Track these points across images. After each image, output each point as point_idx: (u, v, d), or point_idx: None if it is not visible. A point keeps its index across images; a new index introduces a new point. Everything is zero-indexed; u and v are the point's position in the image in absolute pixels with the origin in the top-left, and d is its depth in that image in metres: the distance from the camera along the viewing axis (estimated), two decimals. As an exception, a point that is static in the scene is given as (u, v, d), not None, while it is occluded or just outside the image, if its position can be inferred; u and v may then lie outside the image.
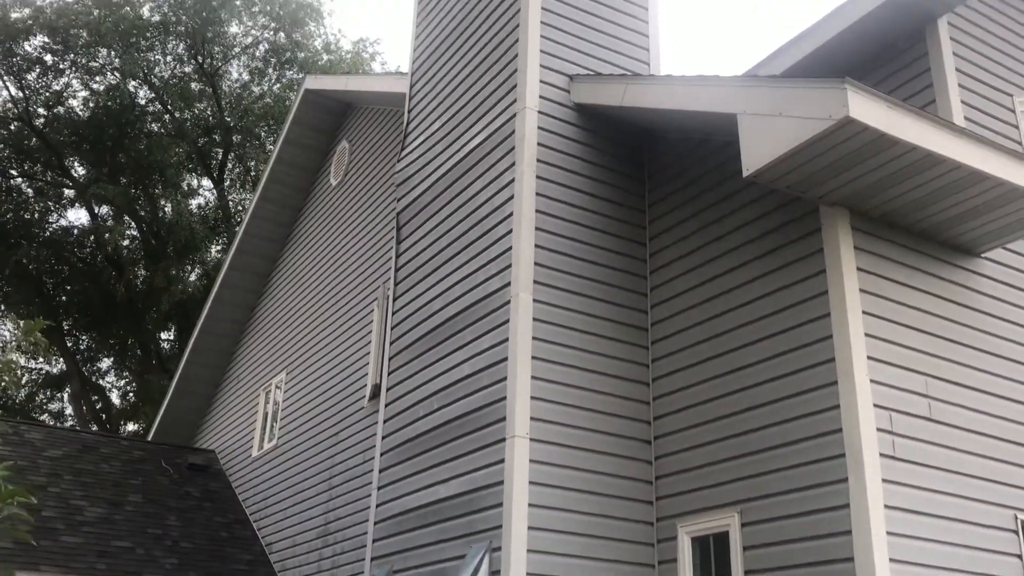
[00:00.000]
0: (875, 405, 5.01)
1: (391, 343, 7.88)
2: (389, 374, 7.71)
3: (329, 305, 11.68)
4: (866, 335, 5.14)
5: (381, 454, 7.48)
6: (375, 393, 9.62)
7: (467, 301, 6.79)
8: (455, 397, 6.61)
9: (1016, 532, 5.34)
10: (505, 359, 6.12)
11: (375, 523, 7.28)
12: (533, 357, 6.06)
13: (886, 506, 4.82)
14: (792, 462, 5.23)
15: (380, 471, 7.42)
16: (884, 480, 4.87)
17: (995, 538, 5.24)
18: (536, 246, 6.34)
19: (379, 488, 7.36)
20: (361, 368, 10.43)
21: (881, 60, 6.72)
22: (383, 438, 7.53)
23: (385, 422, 7.57)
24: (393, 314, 7.98)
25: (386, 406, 7.63)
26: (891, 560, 4.71)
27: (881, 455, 4.91)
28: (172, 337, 26.17)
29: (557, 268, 6.38)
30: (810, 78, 5.00)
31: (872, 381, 5.05)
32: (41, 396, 26.82)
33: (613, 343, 6.42)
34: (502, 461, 5.86)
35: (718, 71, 5.89)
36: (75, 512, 11.36)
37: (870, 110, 4.64)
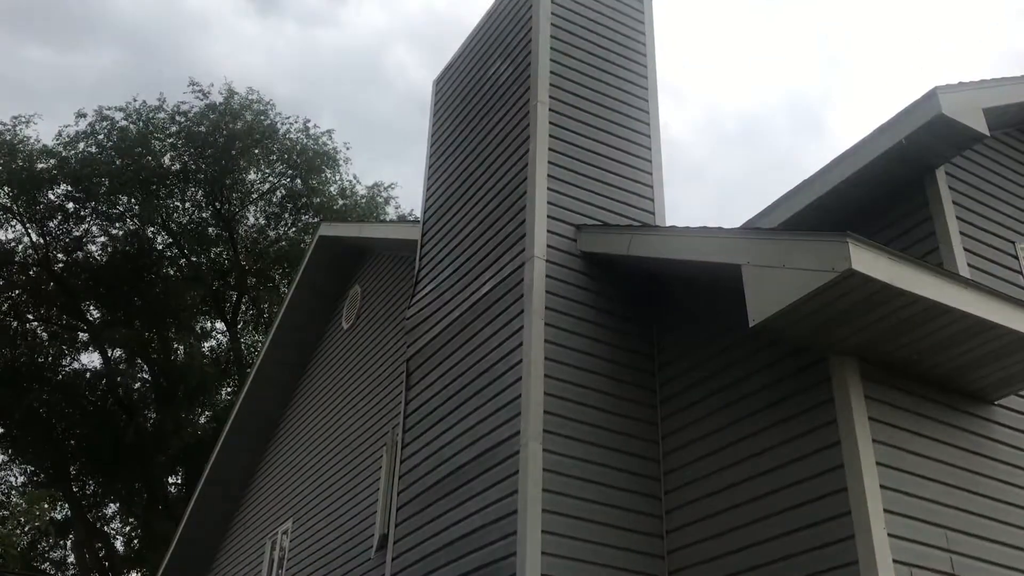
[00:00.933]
0: (895, 561, 4.86)
1: (399, 492, 7.76)
2: (397, 525, 7.56)
3: (338, 450, 11.56)
4: (881, 487, 5.04)
5: (388, 610, 7.25)
6: (382, 544, 9.40)
7: (477, 450, 6.73)
8: (464, 551, 6.45)
9: None
10: (515, 512, 6.01)
11: None
12: (544, 510, 5.94)
13: (912, 669, 4.61)
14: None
15: (387, 628, 7.18)
16: (906, 635, 4.68)
17: None
18: (546, 394, 6.32)
19: (386, 647, 7.10)
20: (369, 517, 10.23)
21: (882, 209, 6.85)
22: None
23: (392, 575, 7.37)
24: (402, 462, 7.89)
25: (393, 559, 7.45)
26: None
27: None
28: (180, 481, 25.86)
29: (568, 416, 6.35)
30: (812, 231, 5.09)
31: (891, 535, 4.92)
32: (43, 544, 26.31)
33: (625, 494, 6.30)
34: (513, 615, 5.66)
35: (720, 223, 6.01)
36: (71, 670, 10.95)
37: (873, 262, 4.70)
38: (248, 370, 18.94)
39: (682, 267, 6.44)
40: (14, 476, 25.47)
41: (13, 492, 25.15)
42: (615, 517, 6.19)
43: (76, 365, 25.27)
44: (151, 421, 24.41)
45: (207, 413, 25.13)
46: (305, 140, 25.44)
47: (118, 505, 26.46)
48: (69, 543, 25.75)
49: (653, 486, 6.43)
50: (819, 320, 5.05)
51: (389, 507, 9.55)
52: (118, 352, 24.82)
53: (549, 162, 7.26)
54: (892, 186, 6.69)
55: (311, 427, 12.80)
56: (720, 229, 5.70)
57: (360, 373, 11.64)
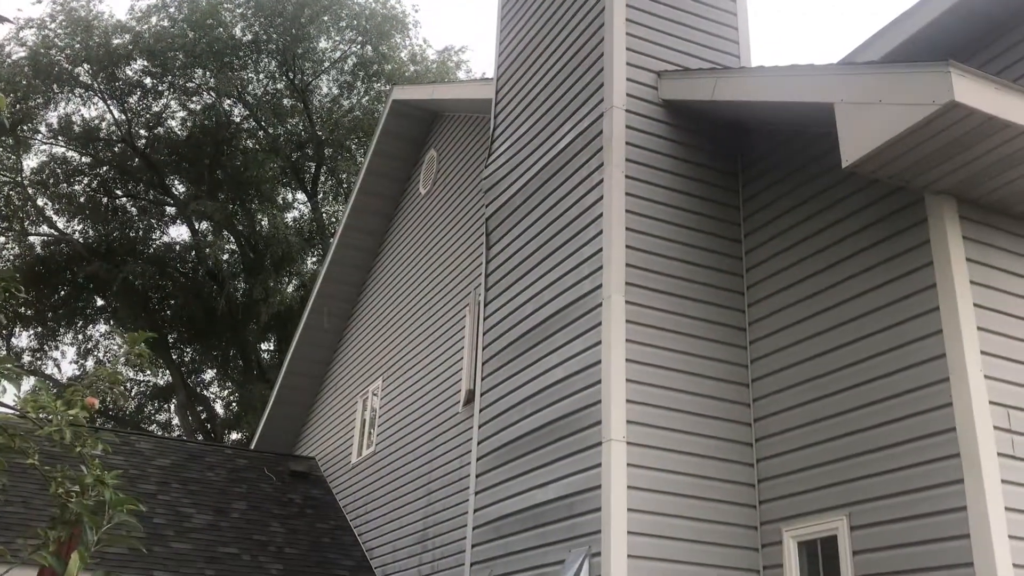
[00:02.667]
0: (991, 402, 4.77)
1: (483, 348, 7.88)
2: (483, 379, 7.71)
3: (422, 312, 11.77)
4: (978, 329, 4.90)
5: (477, 459, 7.49)
6: (469, 399, 9.65)
7: (558, 304, 6.74)
8: (549, 401, 6.56)
9: None
10: (599, 362, 6.05)
11: (473, 528, 7.28)
12: (627, 360, 5.97)
13: (1007, 508, 4.58)
14: (903, 463, 5.02)
15: (476, 476, 7.42)
16: (1003, 481, 4.63)
17: None
18: (627, 247, 6.25)
19: (476, 493, 7.36)
20: (455, 374, 10.47)
21: (985, 41, 6.42)
22: (478, 443, 7.53)
23: (480, 427, 7.57)
24: (485, 319, 7.98)
25: (480, 411, 7.63)
26: (1015, 565, 4.47)
27: (999, 454, 4.67)
28: (272, 347, 26.85)
29: (650, 269, 6.28)
30: (911, 62, 4.80)
31: (987, 377, 4.81)
32: (149, 407, 27.83)
33: (710, 344, 6.28)
34: (599, 465, 5.78)
35: (812, 61, 5.72)
36: (184, 519, 11.71)
37: (977, 93, 4.42)
38: (331, 239, 19.26)
39: (770, 111, 6.19)
40: (117, 345, 26.76)
41: (117, 360, 26.48)
42: (699, 366, 6.19)
43: (166, 238, 26.07)
44: (241, 291, 25.20)
45: (294, 281, 25.81)
46: (374, 4, 24.99)
47: (215, 371, 27.70)
48: (172, 407, 27.17)
49: (738, 336, 6.39)
50: (917, 158, 4.81)
51: (474, 364, 9.75)
52: (204, 225, 25.46)
53: (628, 5, 6.95)
54: (997, 17, 6.25)
55: (395, 291, 13.03)
56: (811, 66, 5.42)
57: (439, 236, 11.71)
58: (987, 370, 4.82)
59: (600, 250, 6.33)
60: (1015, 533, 4.55)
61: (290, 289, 25.73)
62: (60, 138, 24.53)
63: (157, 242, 25.85)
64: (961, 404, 4.76)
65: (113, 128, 24.88)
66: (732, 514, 5.91)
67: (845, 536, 5.26)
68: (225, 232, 25.33)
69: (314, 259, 25.69)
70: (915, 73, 4.59)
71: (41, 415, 2.30)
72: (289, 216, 26.57)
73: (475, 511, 7.32)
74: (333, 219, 25.76)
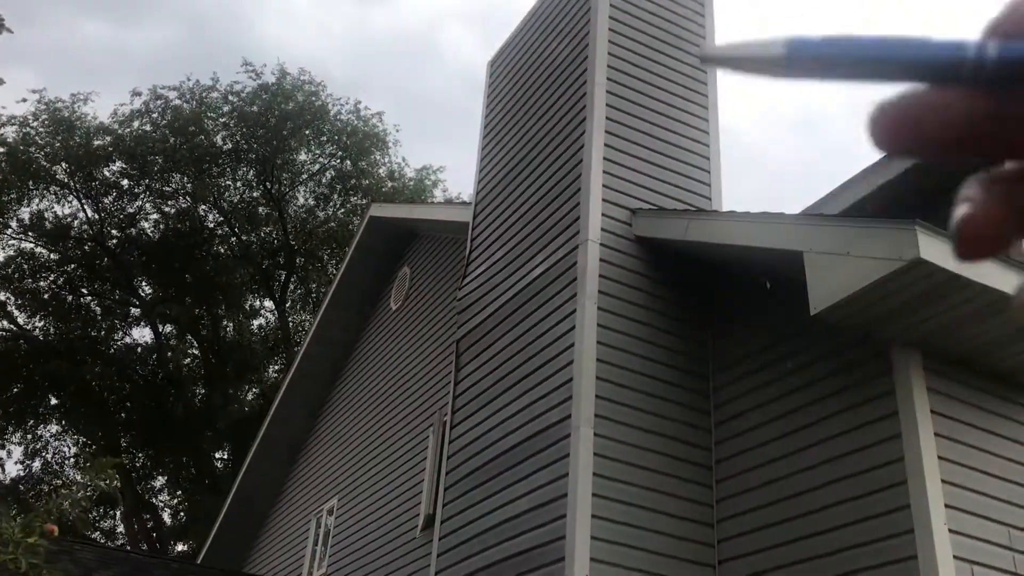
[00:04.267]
0: (955, 557, 4.76)
1: (447, 473, 7.77)
2: (445, 505, 7.58)
3: (384, 430, 11.63)
4: (943, 481, 4.93)
5: (434, 590, 7.28)
6: (428, 523, 9.44)
7: (526, 432, 6.70)
8: (513, 533, 6.45)
9: None
10: (565, 495, 5.98)
11: (426, 663, 7.02)
12: (594, 494, 5.91)
13: (972, 666, 4.51)
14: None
15: (433, 607, 7.21)
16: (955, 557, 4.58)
17: None
18: (598, 378, 6.27)
19: (431, 626, 7.14)
20: (414, 496, 10.27)
21: (949, 196, 6.67)
22: (436, 573, 7.33)
23: (439, 556, 7.39)
24: (450, 443, 7.90)
25: (440, 539, 7.47)
26: None
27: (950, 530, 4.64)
28: (227, 456, 26.25)
29: (619, 401, 6.30)
30: (878, 217, 4.97)
31: (951, 531, 4.81)
32: (93, 513, 26.87)
33: (676, 481, 6.25)
34: (561, 601, 5.65)
35: (781, 209, 5.91)
36: (121, 637, 11.17)
37: (942, 251, 4.57)
38: (296, 348, 19.13)
39: (740, 254, 6.34)
40: (67, 447, 26.04)
41: (66, 463, 25.71)
42: (666, 504, 6.14)
43: (128, 340, 25.75)
44: (199, 397, 24.79)
45: (255, 390, 25.47)
46: (355, 122, 25.55)
47: (166, 478, 26.95)
48: (118, 514, 26.28)
49: (704, 474, 6.37)
50: (883, 310, 4.93)
51: (436, 488, 9.59)
52: (169, 328, 25.22)
53: (605, 144, 7.18)
54: (962, 174, 6.50)
55: (358, 406, 12.89)
56: (782, 215, 5.60)
57: (408, 354, 11.68)
58: (952, 524, 4.83)
59: (571, 379, 6.35)
60: None
61: (250, 397, 25.36)
62: (30, 234, 24.44)
63: (119, 343, 25.52)
64: (926, 558, 4.74)
65: (85, 227, 24.86)
66: (694, 660, 5.77)
67: None
68: (188, 336, 25.09)
69: (277, 367, 25.43)
70: (883, 228, 4.75)
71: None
72: (255, 323, 26.44)
73: (429, 644, 7.08)
74: (300, 328, 25.65)
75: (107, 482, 2.44)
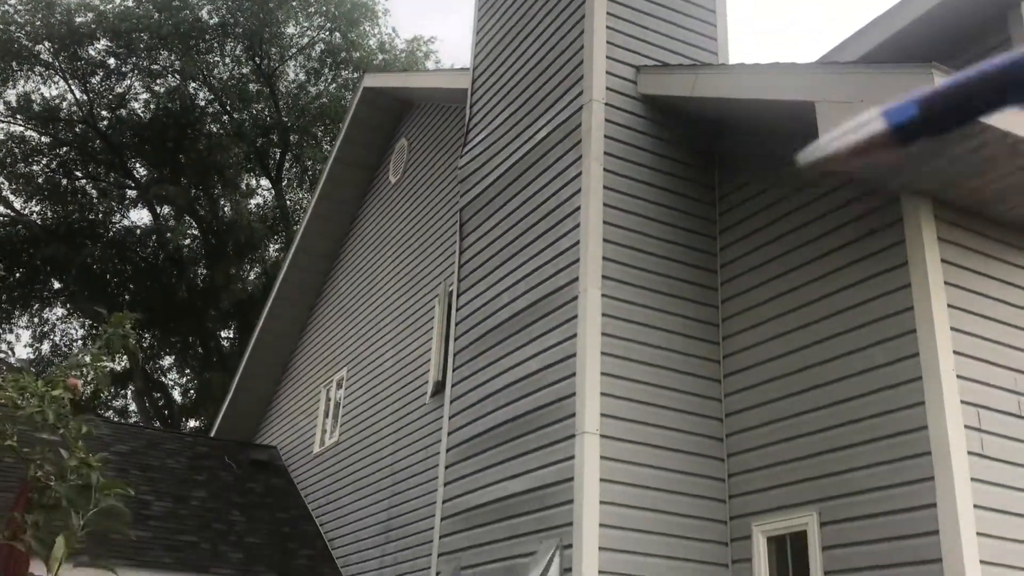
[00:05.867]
0: (962, 401, 4.84)
1: (456, 339, 7.84)
2: (454, 370, 7.68)
3: (389, 302, 11.70)
4: (952, 329, 4.96)
5: (447, 450, 7.45)
6: (437, 389, 9.60)
7: (534, 296, 6.73)
8: (523, 393, 6.55)
9: (1112, 534, 5.13)
10: (574, 355, 6.04)
11: (441, 519, 7.25)
12: (602, 353, 5.97)
13: (976, 506, 4.65)
14: (874, 460, 5.08)
15: (446, 468, 7.39)
16: (973, 479, 4.70)
17: (1090, 540, 5.03)
18: (604, 240, 6.25)
19: (445, 484, 7.33)
20: (423, 365, 10.42)
21: (960, 47, 6.50)
22: (448, 434, 7.49)
23: (450, 418, 7.53)
24: (457, 310, 7.94)
25: (451, 402, 7.60)
26: (981, 562, 4.54)
27: (969, 453, 4.75)
28: (232, 335, 26.55)
29: (626, 263, 6.29)
30: (893, 63, 4.84)
31: (959, 377, 4.88)
32: (106, 393, 27.37)
33: (683, 339, 6.30)
34: (572, 458, 5.78)
35: (792, 59, 5.74)
36: (143, 506, 11.53)
37: (958, 95, 4.46)
38: (295, 227, 19.06)
39: (749, 108, 6.22)
40: (74, 329, 26.31)
41: (74, 344, 26.01)
42: (673, 361, 6.21)
43: (126, 222, 25.65)
44: (202, 277, 24.87)
45: (256, 269, 25.53)
46: (343, -10, 24.77)
47: (174, 358, 27.33)
48: (130, 393, 26.77)
49: (712, 331, 6.42)
50: (894, 159, 4.86)
51: (443, 355, 9.71)
52: (166, 209, 25.08)
53: (609, -1, 6.94)
54: (974, 21, 6.33)
55: (362, 280, 12.93)
56: (793, 65, 5.45)
57: (409, 225, 11.64)
58: (959, 370, 4.89)
59: (577, 243, 6.32)
60: (984, 530, 4.62)
61: (252, 277, 25.45)
62: (18, 116, 24.01)
63: (117, 225, 25.43)
64: (933, 403, 4.82)
65: (74, 108, 24.41)
66: (703, 508, 5.94)
67: (814, 532, 5.31)
68: (187, 217, 24.98)
69: (277, 246, 25.43)
70: (898, 73, 4.64)
71: (21, 399, 2.23)
72: (252, 203, 26.28)
73: (443, 502, 7.29)
74: (298, 207, 25.52)
75: (125, 337, 2.43)
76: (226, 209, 25.32)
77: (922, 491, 4.77)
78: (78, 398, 2.30)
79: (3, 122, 24.22)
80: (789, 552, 5.54)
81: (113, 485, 2.01)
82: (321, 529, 12.27)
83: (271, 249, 25.78)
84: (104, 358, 2.37)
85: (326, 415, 13.26)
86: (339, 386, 12.95)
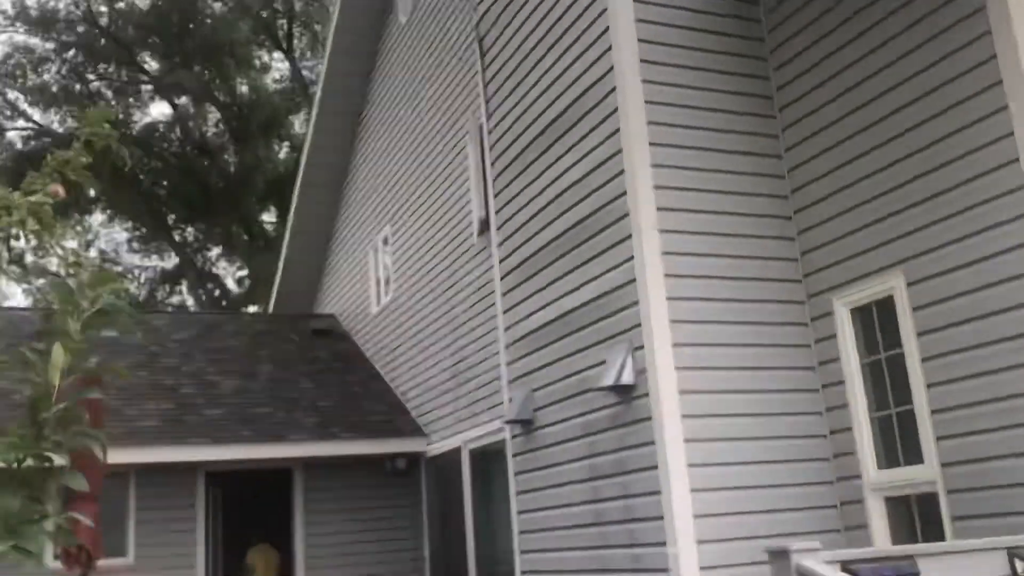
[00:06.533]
0: (1057, 125, 4.35)
1: (492, 164, 7.45)
2: (495, 196, 7.32)
3: (420, 149, 11.28)
4: (1038, 50, 4.42)
5: (501, 278, 7.18)
6: (483, 227, 9.28)
7: (567, 100, 6.26)
8: (570, 203, 6.18)
9: None
10: (619, 151, 5.62)
11: (506, 346, 7.05)
12: (650, 144, 5.54)
13: (1082, 235, 4.23)
14: (962, 206, 4.65)
15: (503, 295, 7.14)
16: (1076, 207, 4.27)
17: None
18: (637, 20, 5.70)
19: (504, 312, 7.10)
20: (465, 206, 10.08)
21: None
22: (500, 262, 7.21)
23: (499, 245, 7.23)
24: (489, 133, 7.51)
25: (498, 229, 7.28)
26: (1093, 293, 4.17)
27: (1070, 180, 4.29)
28: (274, 219, 26.46)
29: (666, 42, 5.76)
30: None
31: (1051, 99, 4.38)
32: (160, 293, 27.72)
33: (736, 117, 5.82)
34: (632, 258, 5.45)
35: None
36: (212, 387, 11.62)
37: None
38: (314, 91, 18.51)
39: None
40: (118, 233, 26.42)
41: (120, 248, 26.19)
42: (728, 142, 5.75)
43: (147, 118, 25.28)
44: (233, 162, 24.58)
45: (286, 146, 25.15)
46: None
47: (221, 248, 27.42)
48: (184, 288, 27.07)
49: (766, 105, 5.92)
50: None
51: (483, 190, 9.35)
52: (184, 99, 24.61)
53: None
54: None
55: (389, 133, 12.49)
56: None
57: (427, 65, 11.07)
58: (1051, 91, 4.38)
59: (607, 29, 5.79)
60: (1093, 260, 4.23)
61: (282, 155, 25.10)
62: (18, 24, 23.41)
63: (139, 123, 25.09)
64: (1022, 127, 4.34)
65: (71, 7, 23.70)
66: (776, 290, 5.61)
67: (902, 293, 4.96)
68: (207, 104, 24.51)
69: (303, 120, 24.93)
70: None
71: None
72: (269, 78, 25.64)
73: (505, 330, 7.08)
74: (316, 75, 24.84)
75: (108, 137, 2.08)
76: (244, 89, 24.76)
77: (1020, 229, 4.35)
78: (62, 200, 1.97)
79: (3, 32, 23.67)
80: (876, 321, 5.21)
81: (106, 279, 1.71)
82: (391, 385, 12.30)
83: (297, 124, 25.31)
84: (83, 158, 2.01)
85: (377, 275, 13.10)
86: (385, 243, 12.73)
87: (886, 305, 5.09)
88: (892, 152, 5.06)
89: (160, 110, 26.90)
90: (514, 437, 6.89)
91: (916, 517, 4.94)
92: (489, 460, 9.43)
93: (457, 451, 10.20)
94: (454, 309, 10.29)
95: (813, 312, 5.58)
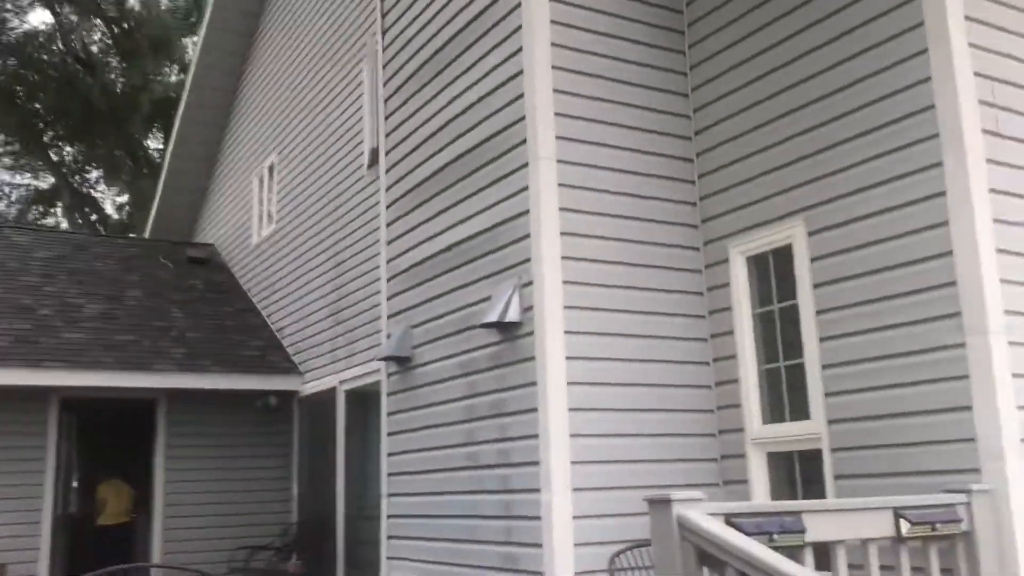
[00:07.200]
0: (976, 73, 4.16)
1: (384, 85, 6.96)
2: (387, 118, 6.84)
3: (313, 75, 10.64)
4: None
5: (387, 206, 6.73)
6: (374, 159, 8.78)
7: (468, 16, 5.81)
8: (465, 128, 5.76)
9: None
10: (520, 72, 5.22)
11: (388, 280, 6.63)
12: (553, 67, 5.16)
13: (991, 190, 4.06)
14: (872, 152, 4.44)
15: (388, 225, 6.70)
16: (988, 160, 4.09)
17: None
18: (548, -66, 5.28)
19: (389, 243, 6.66)
20: (357, 135, 9.56)
21: None
22: (387, 189, 6.75)
23: (388, 171, 6.77)
24: (384, 52, 7.00)
25: (387, 153, 6.81)
26: (998, 250, 4.01)
27: (984, 132, 4.11)
28: (160, 145, 25.10)
29: (574, -39, 5.35)
30: None
31: (971, 45, 4.17)
32: (34, 212, 26.08)
33: (646, 49, 5.49)
34: (526, 188, 5.08)
35: None
36: (74, 309, 10.83)
37: None
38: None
39: None
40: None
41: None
42: (634, 74, 5.41)
43: (26, 26, 23.50)
44: (119, 82, 23.13)
45: (176, 68, 23.79)
46: None
47: (102, 171, 25.91)
48: (59, 211, 25.51)
49: (675, 39, 5.60)
50: None
51: (378, 120, 8.83)
52: (68, 8, 22.95)
53: None
54: None
55: (282, 57, 11.76)
56: None
57: (328, -18, 10.40)
58: (972, 37, 4.18)
59: (516, -59, 5.35)
60: (999, 216, 4.06)
61: (173, 79, 23.75)
62: None
63: (16, 30, 23.31)
64: (941, 76, 4.13)
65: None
66: (673, 234, 5.34)
67: (802, 243, 4.74)
68: (92, 16, 22.93)
69: (196, 42, 23.61)
70: None
71: None
72: (161, -6, 24.16)
73: (388, 261, 6.64)
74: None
75: None
76: (134, 3, 23.26)
77: (930, 179, 4.15)
78: None
79: None
80: (772, 270, 4.99)
81: None
82: (268, 320, 11.72)
83: (191, 48, 23.96)
84: None
85: (261, 204, 12.43)
86: (271, 172, 12.06)
87: (784, 254, 4.88)
88: (799, 96, 4.82)
89: (41, 18, 25.11)
90: (390, 375, 6.50)
91: (798, 474, 4.78)
92: (365, 401, 9.03)
93: (332, 391, 9.77)
94: (339, 243, 9.79)
95: (708, 259, 5.34)
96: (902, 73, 4.31)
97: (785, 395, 4.85)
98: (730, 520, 3.02)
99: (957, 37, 4.13)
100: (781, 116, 4.93)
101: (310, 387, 10.44)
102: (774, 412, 4.90)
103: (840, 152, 4.59)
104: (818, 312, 4.62)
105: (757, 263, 5.09)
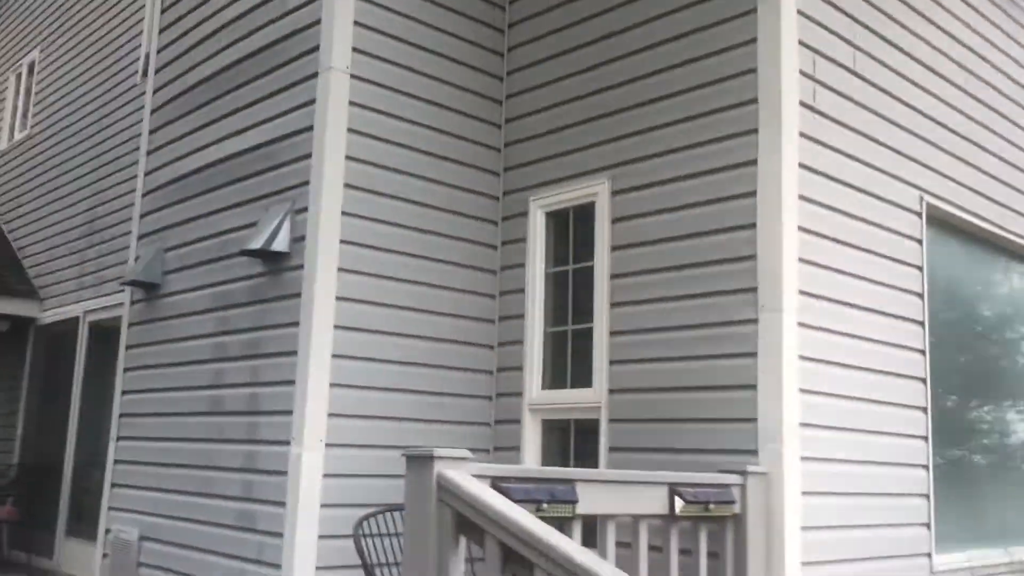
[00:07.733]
0: (800, 43, 3.97)
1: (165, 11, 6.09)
2: (163, 11, 5.98)
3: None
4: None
5: (151, 112, 5.89)
6: (148, 66, 7.81)
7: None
8: (248, 29, 5.06)
9: (919, 214, 4.65)
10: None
11: (142, 195, 5.81)
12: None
13: (801, 165, 3.89)
14: (684, 113, 4.18)
15: (150, 133, 5.87)
16: (801, 134, 3.92)
17: (900, 218, 4.52)
18: None
19: (148, 154, 5.84)
20: (133, 39, 8.52)
21: None
22: (153, 93, 5.92)
23: (158, 71, 5.93)
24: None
25: (158, 52, 5.97)
26: (800, 227, 3.84)
27: (801, 104, 3.93)
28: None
29: None
30: None
31: (799, 12, 3.98)
32: None
33: (462, -27, 5.00)
34: (313, 101, 4.48)
35: None
36: None
37: None
38: None
39: None
40: None
41: None
42: (448, -1, 4.93)
43: None
44: None
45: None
46: None
47: None
48: None
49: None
50: None
51: (156, 21, 7.86)
52: None
53: None
54: None
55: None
56: None
57: None
58: (800, 4, 3.99)
59: None
60: (806, 194, 3.89)
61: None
62: None
63: None
64: (765, 39, 3.91)
65: None
66: (472, 179, 4.90)
67: (604, 202, 4.43)
68: None
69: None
70: None
71: None
72: None
73: (145, 175, 5.82)
74: None
75: None
76: None
77: (742, 146, 3.93)
78: None
79: None
80: (571, 226, 4.67)
81: None
82: (8, 236, 10.35)
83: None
84: None
85: (16, 104, 10.96)
86: (31, 71, 10.65)
87: (586, 213, 4.56)
88: (615, 47, 4.51)
89: None
90: (133, 303, 5.69)
91: (572, 445, 4.49)
92: (111, 336, 8.05)
93: (75, 321, 8.69)
94: (100, 157, 8.71)
95: (506, 211, 4.94)
96: (728, 32, 4.06)
97: (569, 361, 4.54)
98: (497, 484, 2.61)
99: (787, 1, 3.92)
100: (594, 67, 4.60)
101: (50, 315, 9.28)
102: (556, 378, 4.59)
103: (653, 110, 4.31)
104: (612, 276, 4.33)
105: (557, 220, 4.75)
